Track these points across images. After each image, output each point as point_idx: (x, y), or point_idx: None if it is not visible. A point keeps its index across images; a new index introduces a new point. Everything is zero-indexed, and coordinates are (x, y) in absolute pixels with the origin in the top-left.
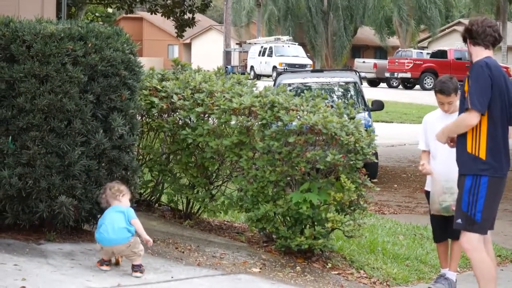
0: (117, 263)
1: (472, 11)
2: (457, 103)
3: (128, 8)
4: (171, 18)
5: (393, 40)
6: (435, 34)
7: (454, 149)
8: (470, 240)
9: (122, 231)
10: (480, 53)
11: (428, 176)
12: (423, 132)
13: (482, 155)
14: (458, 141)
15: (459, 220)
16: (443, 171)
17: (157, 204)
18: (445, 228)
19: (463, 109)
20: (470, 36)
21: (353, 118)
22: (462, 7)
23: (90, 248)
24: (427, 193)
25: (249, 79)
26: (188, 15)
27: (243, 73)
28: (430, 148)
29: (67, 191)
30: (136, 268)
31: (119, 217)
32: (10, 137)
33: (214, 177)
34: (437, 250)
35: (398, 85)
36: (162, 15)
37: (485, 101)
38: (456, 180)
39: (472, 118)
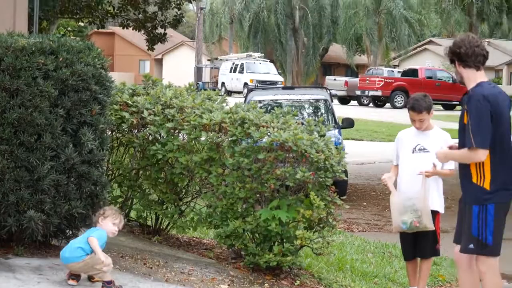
0: (90, 279)
1: (443, 30)
2: (430, 121)
3: (99, 22)
4: (143, 32)
5: (364, 58)
6: (407, 52)
7: (421, 166)
8: (486, 264)
9: (76, 250)
10: (472, 77)
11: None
12: (396, 148)
13: (487, 185)
14: (462, 171)
15: (471, 245)
16: (406, 190)
17: (126, 220)
18: (414, 246)
19: (463, 140)
20: (459, 59)
21: (323, 135)
22: (433, 27)
23: (58, 263)
24: None
25: (219, 95)
26: (160, 30)
27: (214, 89)
28: (399, 163)
29: (35, 206)
30: (106, 284)
31: (81, 237)
32: None
33: (183, 193)
34: (406, 268)
35: (369, 103)
36: (133, 29)
37: (488, 137)
38: (419, 198)
39: (480, 156)
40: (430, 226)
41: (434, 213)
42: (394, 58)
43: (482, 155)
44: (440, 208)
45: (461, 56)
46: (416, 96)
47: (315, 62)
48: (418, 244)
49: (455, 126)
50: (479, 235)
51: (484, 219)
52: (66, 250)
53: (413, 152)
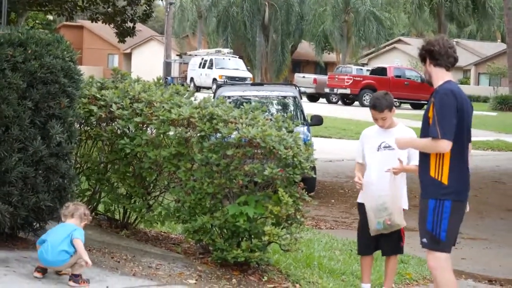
0: (57, 272)
1: (411, 29)
2: (393, 118)
3: (68, 15)
4: (112, 25)
5: (333, 56)
6: (376, 50)
7: (388, 164)
8: (437, 259)
9: (61, 254)
10: (441, 76)
11: (361, 193)
12: (360, 146)
13: (445, 180)
14: (421, 164)
15: (424, 240)
16: (376, 185)
17: (93, 213)
18: (374, 242)
19: (426, 131)
20: (432, 57)
21: (291, 131)
22: (402, 26)
23: (25, 256)
24: (360, 205)
25: (188, 90)
26: (129, 24)
27: (182, 84)
28: (365, 162)
29: (3, 198)
30: (74, 277)
31: (62, 237)
32: None
33: (151, 187)
34: (360, 263)
35: (338, 101)
36: (103, 22)
37: (453, 129)
38: (388, 195)
39: (444, 146)
40: (402, 223)
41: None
42: (363, 57)
43: (446, 145)
44: (405, 204)
45: (434, 54)
46: (377, 94)
47: (284, 59)
48: (382, 242)
49: None
50: (433, 230)
51: (439, 214)
52: (48, 253)
53: (378, 150)
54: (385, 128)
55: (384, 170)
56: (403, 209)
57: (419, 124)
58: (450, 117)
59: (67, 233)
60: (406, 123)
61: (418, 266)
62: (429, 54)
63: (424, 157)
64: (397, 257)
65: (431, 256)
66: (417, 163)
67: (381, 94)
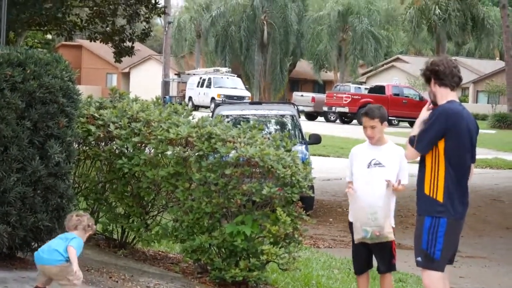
0: None
1: (410, 48)
2: (383, 135)
3: (67, 35)
4: (110, 44)
5: (331, 75)
6: (374, 69)
7: (378, 181)
8: (431, 278)
9: (55, 253)
10: (445, 95)
11: (351, 207)
12: (350, 164)
13: (440, 197)
14: (417, 181)
15: (419, 258)
16: (365, 201)
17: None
18: (367, 260)
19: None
20: (437, 77)
21: (289, 150)
22: (400, 44)
23: (23, 276)
24: (350, 224)
25: (185, 109)
26: (127, 43)
27: (180, 103)
28: (354, 179)
29: (1, 218)
30: None
31: (59, 241)
32: None
33: (149, 207)
34: (357, 282)
35: (336, 120)
36: (101, 42)
37: (429, 148)
38: (380, 206)
39: (410, 154)
40: (391, 236)
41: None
42: (362, 75)
43: (414, 154)
44: (393, 223)
45: (439, 74)
46: (371, 106)
47: (282, 77)
48: (376, 259)
49: None
50: (427, 249)
51: (434, 233)
52: (44, 251)
53: (368, 167)
54: (375, 145)
55: (374, 187)
56: (393, 228)
57: None
58: (431, 134)
59: (66, 238)
60: (404, 141)
61: (416, 285)
62: (434, 74)
63: (420, 174)
64: (391, 275)
65: (425, 275)
66: (405, 183)
67: (375, 105)
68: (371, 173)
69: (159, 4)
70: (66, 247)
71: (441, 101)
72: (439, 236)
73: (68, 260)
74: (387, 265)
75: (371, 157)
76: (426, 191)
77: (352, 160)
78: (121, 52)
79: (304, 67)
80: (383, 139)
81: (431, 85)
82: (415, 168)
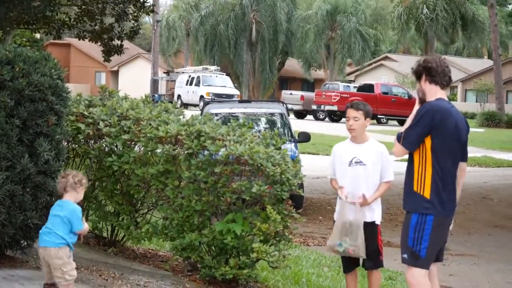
0: None
1: (399, 46)
2: (365, 132)
3: (56, 33)
4: (99, 43)
5: (321, 73)
6: (363, 67)
7: (359, 180)
8: (415, 275)
9: (56, 236)
10: (434, 93)
11: (337, 208)
12: (332, 161)
13: (427, 194)
14: (405, 177)
15: (405, 255)
16: (346, 203)
17: None
18: (355, 258)
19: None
20: (429, 73)
21: (279, 148)
22: (389, 43)
23: (12, 274)
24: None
25: (176, 108)
26: (116, 42)
27: (170, 102)
28: (337, 178)
29: None
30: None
31: (56, 219)
32: None
33: (139, 205)
34: (346, 280)
35: (325, 118)
36: (90, 40)
37: (416, 144)
38: (357, 225)
39: (397, 151)
40: (364, 255)
41: (375, 226)
42: (350, 73)
43: (401, 151)
44: (379, 220)
45: (431, 71)
46: (358, 101)
47: (272, 76)
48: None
49: None
50: (413, 246)
51: (421, 231)
52: (45, 233)
53: (349, 165)
54: (356, 142)
55: (356, 185)
56: (379, 226)
57: None
58: (418, 130)
59: (62, 218)
60: (393, 139)
61: (405, 283)
62: (426, 71)
63: (408, 171)
64: (379, 272)
65: (410, 272)
66: (389, 180)
67: (362, 102)
68: (352, 172)
69: (147, 2)
70: (68, 230)
71: (430, 98)
72: (425, 234)
73: (67, 243)
74: (374, 262)
75: (352, 155)
76: (414, 188)
77: (335, 158)
78: (110, 51)
79: (293, 65)
80: (365, 137)
81: (422, 82)
82: (401, 166)
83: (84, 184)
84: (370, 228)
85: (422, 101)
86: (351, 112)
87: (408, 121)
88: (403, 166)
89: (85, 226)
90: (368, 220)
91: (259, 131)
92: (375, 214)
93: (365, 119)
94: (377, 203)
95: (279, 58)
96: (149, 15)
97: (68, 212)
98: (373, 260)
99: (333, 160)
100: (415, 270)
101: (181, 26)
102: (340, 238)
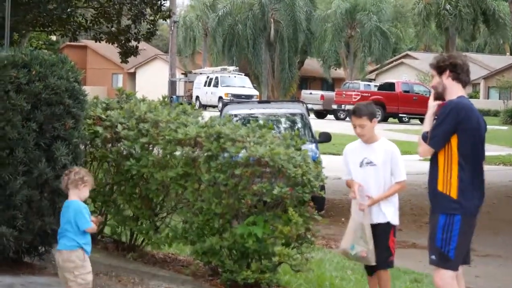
0: None
1: (419, 44)
2: (374, 132)
3: (72, 35)
4: (116, 45)
5: (341, 72)
6: (383, 66)
7: (370, 181)
8: (444, 277)
9: (70, 240)
10: (456, 91)
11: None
12: (345, 162)
13: (453, 194)
14: (429, 178)
15: (433, 256)
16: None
17: (100, 236)
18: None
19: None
20: (454, 70)
21: (299, 149)
22: (409, 40)
23: (31, 281)
24: None
25: (195, 109)
26: (133, 43)
27: (189, 103)
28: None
29: (7, 222)
30: None
31: (66, 224)
32: None
33: (158, 208)
34: (368, 283)
35: (346, 117)
36: (106, 42)
37: (442, 143)
38: (368, 230)
39: (423, 151)
40: (373, 262)
41: (389, 226)
42: (371, 72)
43: (427, 151)
44: (395, 220)
45: (457, 67)
46: (359, 103)
47: (291, 75)
48: (377, 256)
49: None
50: (442, 247)
51: (449, 231)
52: (60, 237)
53: (360, 166)
54: (366, 143)
55: (369, 186)
56: (394, 226)
57: None
58: (444, 129)
59: (69, 220)
60: (416, 139)
61: (432, 285)
62: (452, 67)
63: (432, 171)
64: (388, 272)
65: (438, 274)
66: (401, 180)
67: (363, 103)
68: (363, 173)
69: (164, 5)
70: (77, 231)
71: (451, 95)
72: (454, 235)
73: (80, 245)
74: (384, 262)
75: (363, 155)
76: (440, 188)
77: (347, 158)
78: (126, 52)
79: (312, 64)
80: (374, 137)
81: (443, 77)
82: (424, 166)
83: (86, 181)
84: (382, 229)
85: (439, 96)
86: (355, 120)
87: (427, 120)
88: (425, 165)
89: (93, 225)
90: (381, 221)
91: (279, 132)
92: (388, 215)
93: (371, 121)
94: (389, 203)
95: (298, 58)
96: (165, 20)
97: (73, 212)
98: (383, 260)
99: (346, 160)
100: (443, 271)
101: (199, 26)
102: (354, 241)
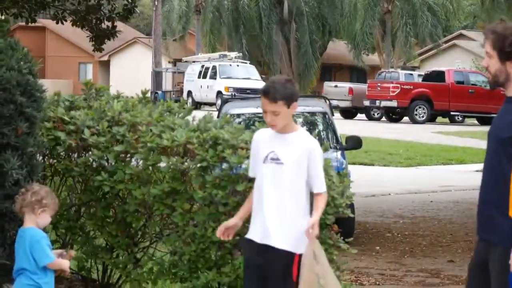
0: None
1: (478, 20)
2: (291, 120)
3: (29, 16)
4: (85, 27)
5: (375, 58)
6: (430, 49)
7: (275, 184)
8: None
9: (25, 277)
10: None
11: None
12: (251, 155)
13: None
14: (490, 196)
15: None
16: (257, 225)
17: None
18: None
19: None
20: None
21: None
22: (464, 17)
23: None
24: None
25: (184, 108)
26: (106, 24)
27: (177, 101)
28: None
29: None
30: None
31: (25, 260)
32: None
33: (139, 236)
34: None
35: (381, 117)
36: (72, 24)
37: None
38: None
39: None
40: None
41: (292, 256)
42: (414, 58)
43: None
44: (300, 248)
45: None
46: (275, 78)
47: (312, 63)
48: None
49: None
50: None
51: None
52: (16, 274)
53: (264, 162)
54: (279, 132)
55: (268, 192)
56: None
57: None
58: None
59: (27, 248)
60: (472, 143)
61: None
62: None
63: (498, 188)
64: None
65: None
66: (322, 191)
67: (280, 79)
68: (267, 172)
69: None
70: (35, 267)
71: None
72: None
73: (38, 285)
74: None
75: (269, 148)
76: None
77: (253, 150)
78: (99, 36)
79: (338, 49)
80: (291, 126)
81: (507, 64)
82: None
83: (46, 205)
84: (278, 259)
85: (496, 84)
86: (267, 105)
87: None
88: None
89: (58, 260)
90: (280, 246)
91: None
92: (293, 241)
93: (288, 107)
94: (293, 217)
95: (320, 40)
96: None
97: (28, 243)
98: None
99: (252, 152)
100: None
101: (190, 1)
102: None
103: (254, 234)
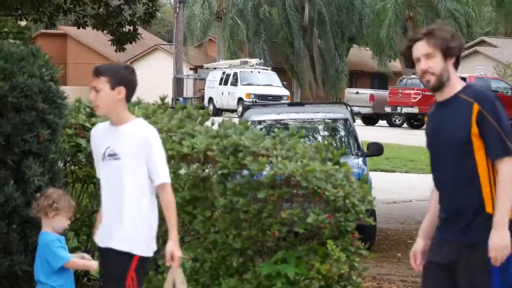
0: None
1: (499, 26)
2: (125, 109)
3: (48, 20)
4: (105, 31)
5: (396, 65)
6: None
7: (114, 183)
8: None
9: (40, 285)
10: (459, 81)
11: None
12: (93, 153)
13: None
14: (462, 197)
15: None
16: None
17: (86, 278)
18: None
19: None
20: (459, 54)
21: (338, 163)
22: (486, 23)
23: None
24: None
25: (201, 114)
26: (127, 28)
27: (201, 108)
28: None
29: None
30: None
31: (40, 265)
32: None
33: (160, 243)
34: None
35: (403, 123)
36: (93, 28)
37: None
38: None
39: None
40: None
41: (129, 258)
42: None
43: None
44: (144, 250)
45: (461, 51)
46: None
47: (341, 67)
48: None
49: None
50: None
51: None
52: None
53: (103, 160)
54: (113, 124)
55: (112, 193)
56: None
57: None
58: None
59: (40, 257)
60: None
61: None
62: (460, 50)
63: (468, 184)
64: None
65: None
66: (163, 181)
67: (120, 64)
68: (106, 170)
69: None
70: (49, 271)
71: (455, 88)
72: None
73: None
74: None
75: (107, 143)
76: (487, 209)
77: (92, 146)
78: (121, 39)
79: (359, 55)
80: (125, 116)
81: (449, 62)
82: None
83: (58, 208)
84: (115, 261)
85: (441, 86)
86: (91, 81)
87: None
88: None
89: (76, 260)
90: (115, 247)
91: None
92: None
93: (113, 88)
94: (134, 217)
95: (343, 46)
96: None
97: (41, 248)
98: None
99: (92, 149)
100: None
101: (212, 8)
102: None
103: (97, 237)
